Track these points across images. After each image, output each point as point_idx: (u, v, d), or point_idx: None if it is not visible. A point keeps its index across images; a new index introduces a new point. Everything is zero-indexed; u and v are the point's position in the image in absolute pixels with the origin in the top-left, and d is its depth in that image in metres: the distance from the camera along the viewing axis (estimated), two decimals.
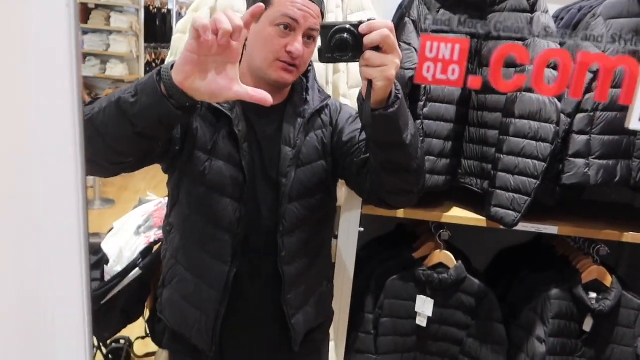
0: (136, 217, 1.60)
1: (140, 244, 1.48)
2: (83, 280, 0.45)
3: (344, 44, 0.83)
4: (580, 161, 1.39)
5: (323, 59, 0.86)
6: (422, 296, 1.58)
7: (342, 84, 1.34)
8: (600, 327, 1.55)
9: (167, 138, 0.99)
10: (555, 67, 0.38)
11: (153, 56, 5.55)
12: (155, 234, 1.50)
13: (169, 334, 1.19)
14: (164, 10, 5.87)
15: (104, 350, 1.96)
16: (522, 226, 1.48)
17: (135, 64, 4.99)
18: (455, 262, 1.56)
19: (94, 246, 1.56)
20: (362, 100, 0.89)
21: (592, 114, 1.38)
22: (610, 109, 1.36)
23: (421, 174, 1.02)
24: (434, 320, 1.59)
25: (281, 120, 1.09)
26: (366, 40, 0.82)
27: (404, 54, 1.38)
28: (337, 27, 0.84)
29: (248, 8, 1.05)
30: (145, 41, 5.05)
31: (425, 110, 1.42)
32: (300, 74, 1.08)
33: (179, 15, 6.61)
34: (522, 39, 1.37)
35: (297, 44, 0.99)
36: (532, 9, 1.37)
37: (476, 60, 1.43)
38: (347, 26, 0.83)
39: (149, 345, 1.88)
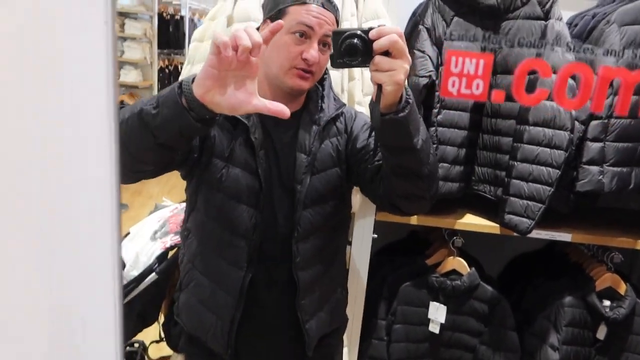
0: (152, 223, 1.62)
1: (157, 249, 1.50)
2: (115, 290, 0.46)
3: (354, 49, 0.86)
4: (595, 168, 1.39)
5: (334, 63, 0.89)
6: (435, 303, 1.58)
7: (357, 92, 1.35)
8: (615, 335, 1.54)
9: (187, 148, 1.01)
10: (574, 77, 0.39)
11: (166, 62, 5.61)
12: (171, 239, 1.52)
13: (185, 337, 1.21)
14: (177, 17, 5.94)
15: None
16: (536, 233, 1.47)
17: (149, 70, 5.04)
18: (468, 269, 1.56)
19: None
20: (372, 104, 0.91)
21: (606, 121, 1.38)
22: (624, 116, 1.36)
23: (433, 179, 1.03)
24: (446, 327, 1.59)
25: (297, 127, 1.10)
26: (375, 45, 0.85)
27: (418, 62, 1.39)
28: (347, 32, 0.86)
29: (264, 16, 1.07)
30: (159, 47, 5.11)
31: (439, 117, 1.43)
32: (316, 81, 1.09)
33: (192, 22, 6.68)
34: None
35: (312, 51, 1.01)
36: (546, 16, 1.38)
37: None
38: (358, 32, 0.86)
39: (163, 349, 1.90)
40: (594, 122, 1.38)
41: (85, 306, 0.48)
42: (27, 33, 0.40)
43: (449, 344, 1.62)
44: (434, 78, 1.38)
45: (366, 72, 1.35)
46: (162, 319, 1.58)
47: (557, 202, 1.43)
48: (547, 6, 1.37)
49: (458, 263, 1.57)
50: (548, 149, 1.37)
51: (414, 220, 1.55)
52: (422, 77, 1.37)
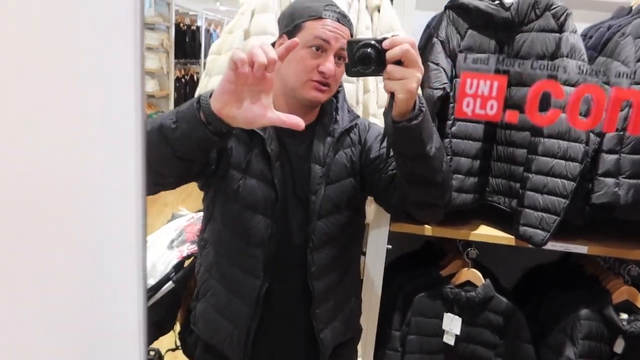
0: (169, 232, 1.64)
1: (173, 258, 1.53)
2: (140, 298, 0.48)
3: (367, 58, 0.88)
4: (610, 180, 1.39)
5: (348, 72, 0.92)
6: (449, 314, 1.58)
7: (372, 104, 1.37)
8: (632, 349, 1.52)
9: (205, 160, 1.04)
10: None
11: (182, 72, 5.68)
12: (188, 248, 1.54)
13: (202, 346, 1.23)
14: (194, 27, 6.02)
15: None
16: (551, 245, 1.47)
17: (166, 80, 5.11)
18: (483, 281, 1.56)
19: None
20: (386, 112, 0.94)
21: (621, 133, 1.37)
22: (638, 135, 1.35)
23: (446, 187, 1.04)
24: (461, 338, 1.58)
25: (312, 139, 1.12)
26: (388, 54, 0.87)
27: (432, 74, 1.40)
28: (361, 42, 0.89)
29: (281, 31, 1.10)
30: (175, 57, 5.19)
31: (453, 129, 1.44)
32: (332, 93, 1.11)
33: (208, 32, 6.77)
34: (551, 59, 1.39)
35: (328, 64, 1.03)
36: (561, 29, 1.38)
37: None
38: (371, 41, 0.88)
39: (179, 358, 1.91)
40: (609, 134, 1.38)
41: (110, 314, 0.50)
42: (60, 55, 0.42)
43: (463, 356, 1.61)
44: (448, 90, 1.39)
45: (381, 84, 1.37)
46: (178, 327, 1.59)
47: (572, 214, 1.43)
48: (562, 19, 1.38)
49: (472, 274, 1.57)
50: (563, 161, 1.36)
51: (428, 231, 1.55)
52: (436, 89, 1.38)
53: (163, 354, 2.08)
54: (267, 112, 0.86)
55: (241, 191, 1.08)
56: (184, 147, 0.91)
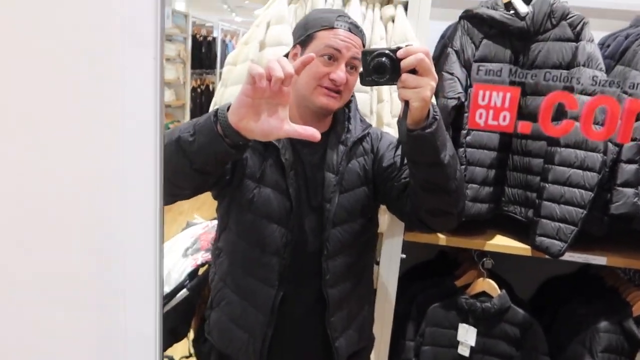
0: (184, 240, 1.66)
1: (188, 265, 1.54)
2: (157, 305, 0.48)
3: (382, 67, 0.90)
4: (630, 191, 1.36)
5: (363, 81, 0.93)
6: (464, 325, 1.56)
7: (385, 113, 1.37)
8: None
9: (221, 172, 1.05)
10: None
11: (198, 82, 5.75)
12: (202, 256, 1.55)
13: (215, 355, 1.23)
14: (210, 38, 6.10)
15: None
16: (569, 256, 1.45)
17: (182, 90, 5.18)
18: (498, 291, 1.54)
19: None
20: (400, 120, 0.95)
21: None
22: None
23: (460, 195, 1.04)
24: (476, 350, 1.56)
25: (325, 148, 1.13)
26: (403, 64, 0.88)
27: (447, 84, 1.40)
28: (376, 52, 0.91)
29: (294, 41, 1.11)
30: (191, 68, 5.25)
31: (468, 138, 1.43)
32: (344, 102, 1.12)
33: (223, 43, 6.86)
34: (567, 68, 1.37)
35: (339, 72, 1.05)
36: (577, 38, 1.37)
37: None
38: (386, 51, 0.90)
39: None
40: (627, 144, 1.36)
41: (126, 322, 0.50)
42: (87, 73, 0.43)
43: None
44: (463, 100, 1.38)
45: (395, 94, 1.37)
46: (191, 334, 1.60)
47: (590, 225, 1.41)
48: (578, 28, 1.37)
49: (488, 285, 1.55)
50: (580, 171, 1.35)
51: (443, 240, 1.54)
52: (450, 98, 1.38)
53: None
54: (284, 125, 0.88)
55: (256, 200, 1.09)
56: (201, 160, 0.92)
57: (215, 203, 1.21)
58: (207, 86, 5.95)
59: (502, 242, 1.54)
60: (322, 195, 1.11)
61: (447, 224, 1.12)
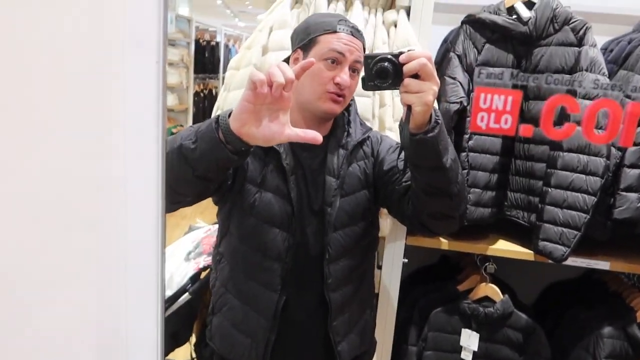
0: (186, 243, 1.66)
1: (190, 269, 1.54)
2: (158, 309, 0.48)
3: (385, 71, 0.90)
4: (633, 195, 1.36)
5: (365, 86, 0.93)
6: (467, 330, 1.55)
7: (387, 117, 1.37)
8: None
9: (223, 178, 1.05)
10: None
11: (201, 86, 5.77)
12: (205, 260, 1.55)
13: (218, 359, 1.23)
14: (213, 43, 6.12)
15: None
16: (572, 261, 1.44)
17: (185, 94, 5.19)
18: (501, 296, 1.53)
19: None
20: (402, 124, 0.95)
21: None
22: None
23: (462, 198, 1.05)
24: (479, 355, 1.56)
25: (325, 152, 1.13)
26: (405, 68, 0.89)
27: (449, 88, 1.40)
28: (378, 56, 0.91)
29: (295, 45, 1.11)
30: (194, 72, 5.27)
31: (470, 142, 1.43)
32: (346, 105, 1.13)
33: (226, 47, 6.88)
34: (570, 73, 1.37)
35: (344, 75, 1.05)
36: (580, 43, 1.37)
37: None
38: (388, 56, 0.90)
39: None
40: (631, 149, 1.36)
41: (129, 327, 0.50)
42: (89, 77, 0.43)
43: None
44: (465, 104, 1.38)
45: (397, 98, 1.37)
46: (193, 338, 1.60)
47: (593, 229, 1.40)
48: (581, 32, 1.37)
49: (491, 290, 1.55)
50: (583, 175, 1.34)
51: (445, 245, 1.54)
52: (452, 103, 1.38)
53: None
54: (285, 129, 0.88)
55: (257, 205, 1.10)
56: (203, 167, 0.92)
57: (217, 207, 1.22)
58: (210, 91, 5.97)
59: (504, 247, 1.54)
60: (323, 199, 1.12)
61: (448, 227, 1.12)
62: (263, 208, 1.09)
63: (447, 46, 1.51)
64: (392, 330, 1.58)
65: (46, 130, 0.44)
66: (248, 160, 1.10)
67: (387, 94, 1.38)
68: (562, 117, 0.40)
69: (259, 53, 1.38)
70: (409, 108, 0.91)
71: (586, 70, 1.34)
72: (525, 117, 1.40)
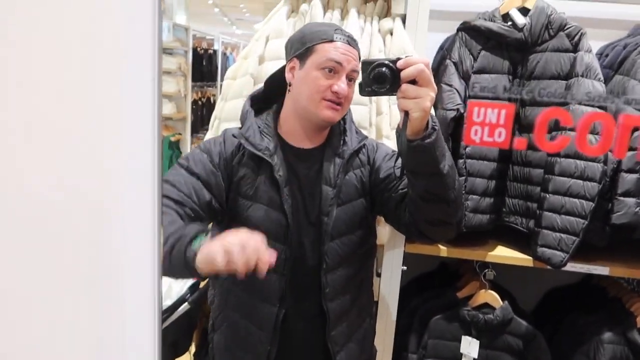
0: None
1: (189, 279, 1.53)
2: (156, 320, 0.48)
3: (382, 77, 0.90)
4: (631, 200, 1.36)
5: (363, 92, 0.94)
6: (467, 337, 1.55)
7: (384, 126, 1.37)
8: None
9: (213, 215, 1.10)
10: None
11: (199, 95, 5.77)
12: None
13: None
14: (210, 51, 6.14)
15: None
16: (571, 266, 1.44)
17: (183, 102, 5.19)
18: (501, 303, 1.53)
19: None
20: (399, 131, 0.95)
21: None
22: None
23: (459, 205, 1.06)
24: None
25: (321, 161, 1.13)
26: (403, 74, 0.89)
27: (446, 95, 1.40)
28: (376, 62, 0.91)
29: (290, 55, 1.11)
30: (192, 80, 5.27)
31: (467, 149, 1.44)
32: (344, 113, 1.13)
33: (224, 55, 6.89)
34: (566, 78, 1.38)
35: (341, 84, 1.06)
36: (575, 48, 1.37)
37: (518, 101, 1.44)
38: (386, 61, 0.91)
39: None
40: (628, 153, 1.36)
41: (127, 333, 0.50)
42: (82, 87, 0.43)
43: None
44: (462, 111, 1.39)
45: (394, 106, 1.37)
46: (193, 348, 1.59)
47: (592, 235, 1.40)
48: (576, 39, 1.37)
49: (490, 296, 1.54)
50: (580, 181, 1.35)
51: (444, 252, 1.54)
52: (449, 110, 1.39)
53: None
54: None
55: (252, 218, 1.09)
56: (175, 274, 0.97)
57: None
58: (208, 99, 5.98)
59: (503, 253, 1.54)
60: (319, 209, 1.11)
61: (445, 234, 1.12)
62: (257, 221, 1.09)
63: (443, 53, 1.51)
64: (392, 338, 1.58)
65: (36, 135, 0.44)
66: (241, 173, 1.10)
67: (384, 102, 1.38)
68: (557, 127, 0.40)
69: (255, 63, 1.39)
70: (406, 114, 0.91)
71: (582, 76, 1.34)
72: (522, 123, 1.41)
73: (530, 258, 1.49)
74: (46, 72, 0.43)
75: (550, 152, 1.26)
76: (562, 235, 1.38)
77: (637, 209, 1.36)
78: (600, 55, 1.59)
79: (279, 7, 1.49)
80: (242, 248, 0.82)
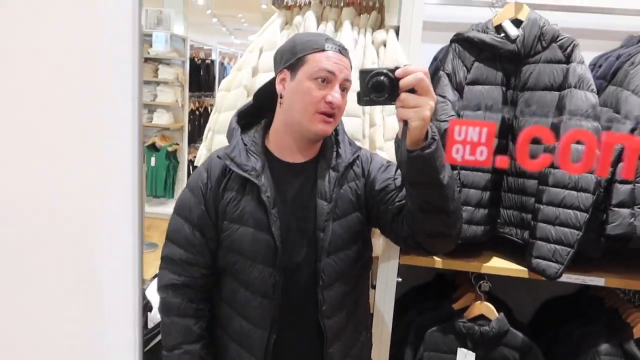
0: None
1: None
2: (136, 336, 0.48)
3: (381, 85, 0.88)
4: (625, 211, 1.36)
5: (361, 101, 0.91)
6: (462, 349, 1.54)
7: (378, 137, 1.37)
8: None
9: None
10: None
11: (197, 104, 5.78)
12: None
13: None
14: (208, 61, 6.16)
15: None
16: (567, 277, 1.43)
17: (180, 113, 5.20)
18: (496, 314, 1.52)
19: None
20: (399, 141, 0.93)
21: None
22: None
23: (458, 216, 1.03)
24: None
25: (314, 175, 1.11)
26: (402, 83, 0.88)
27: (440, 107, 1.41)
28: (374, 71, 0.89)
29: (280, 66, 1.09)
30: (190, 90, 5.28)
31: None
32: (336, 125, 1.11)
33: (222, 65, 6.92)
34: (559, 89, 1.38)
35: (335, 94, 1.04)
36: (568, 60, 1.38)
37: (511, 108, 1.44)
38: (384, 70, 0.89)
39: None
40: (622, 164, 1.35)
41: (107, 346, 0.50)
42: (73, 100, 0.43)
43: None
44: None
45: (387, 118, 1.37)
46: None
47: (587, 246, 1.40)
48: (569, 50, 1.38)
49: (486, 308, 1.53)
50: (574, 192, 1.34)
51: (439, 264, 1.53)
52: (442, 121, 1.39)
53: None
54: None
55: (240, 241, 1.08)
56: None
57: None
58: (206, 108, 5.98)
59: (499, 264, 1.53)
60: (314, 225, 1.09)
61: (445, 246, 1.10)
62: (245, 243, 1.08)
63: (437, 64, 1.52)
64: (387, 350, 1.56)
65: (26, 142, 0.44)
66: (226, 197, 1.10)
67: (378, 113, 1.38)
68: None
69: (249, 74, 1.39)
70: (405, 124, 0.89)
71: (575, 87, 1.35)
72: (515, 133, 1.41)
73: (526, 269, 1.48)
74: (27, 79, 0.43)
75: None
76: (557, 246, 1.37)
77: (632, 219, 1.36)
78: (594, 66, 1.59)
79: (273, 19, 1.49)
80: None
